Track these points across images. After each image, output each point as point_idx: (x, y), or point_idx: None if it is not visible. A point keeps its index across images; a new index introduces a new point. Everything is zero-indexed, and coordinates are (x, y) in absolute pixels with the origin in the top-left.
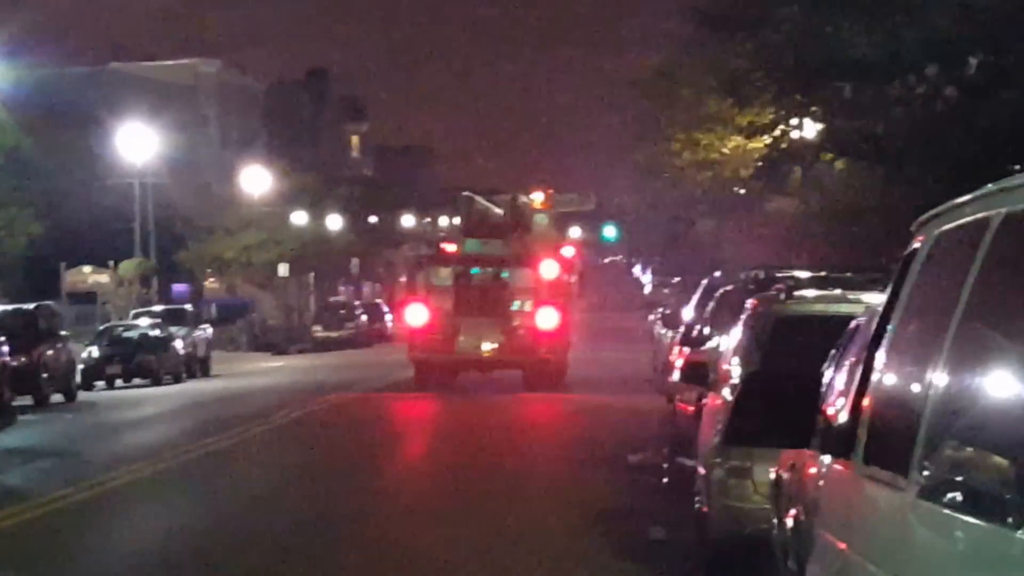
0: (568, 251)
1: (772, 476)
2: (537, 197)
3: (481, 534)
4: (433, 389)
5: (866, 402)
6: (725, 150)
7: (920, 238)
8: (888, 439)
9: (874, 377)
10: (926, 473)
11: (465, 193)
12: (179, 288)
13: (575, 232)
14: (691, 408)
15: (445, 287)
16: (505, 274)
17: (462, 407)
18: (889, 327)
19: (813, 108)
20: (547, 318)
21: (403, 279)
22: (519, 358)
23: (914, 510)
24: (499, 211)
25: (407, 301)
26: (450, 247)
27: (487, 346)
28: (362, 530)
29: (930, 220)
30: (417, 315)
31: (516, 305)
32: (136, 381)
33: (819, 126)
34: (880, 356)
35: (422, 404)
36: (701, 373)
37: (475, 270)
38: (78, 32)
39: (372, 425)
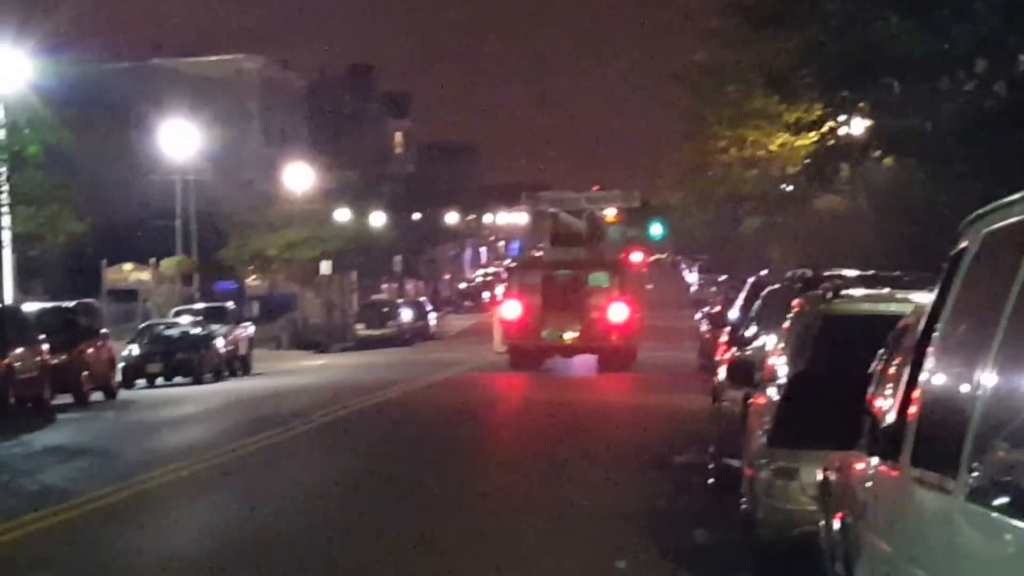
0: (636, 256)
1: (819, 477)
2: (609, 212)
3: (526, 531)
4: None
5: (914, 403)
6: (772, 147)
7: (968, 238)
8: (936, 441)
9: (922, 378)
10: (975, 475)
11: (551, 210)
12: (224, 285)
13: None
14: (737, 408)
15: (535, 286)
16: (584, 275)
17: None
18: (937, 327)
19: (861, 105)
20: (618, 312)
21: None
22: (595, 344)
23: (962, 513)
24: (579, 224)
25: (504, 298)
26: (539, 254)
27: (569, 335)
28: (401, 525)
29: (977, 220)
30: (512, 309)
31: (593, 301)
32: (177, 379)
33: (867, 123)
34: (928, 357)
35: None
36: (747, 373)
37: (559, 272)
38: (120, 27)
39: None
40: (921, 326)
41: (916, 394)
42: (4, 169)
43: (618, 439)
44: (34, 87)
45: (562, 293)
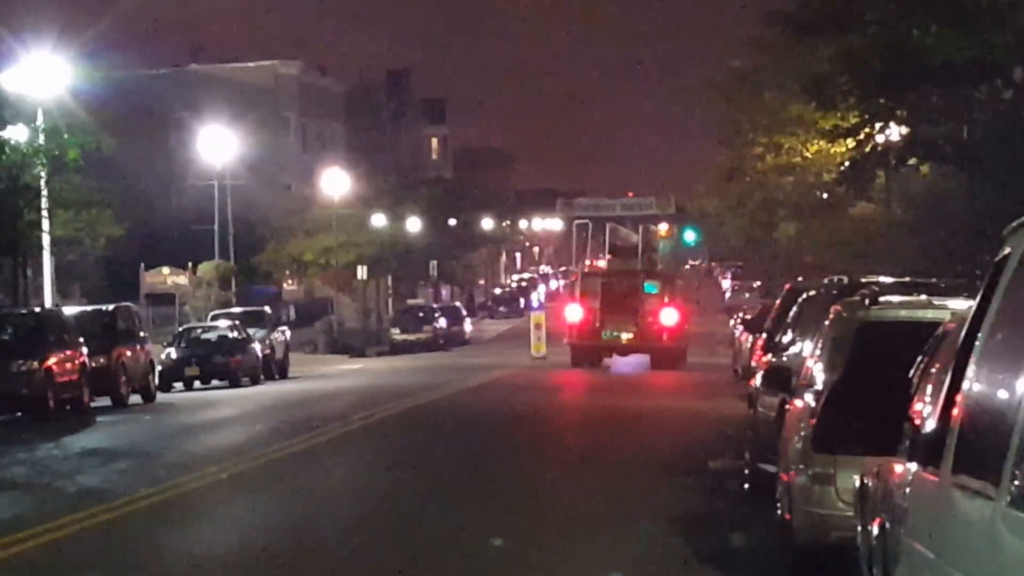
0: (686, 265)
1: (857, 483)
2: (662, 228)
3: (563, 532)
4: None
5: (955, 410)
6: (807, 154)
7: (1011, 244)
8: (978, 447)
9: (964, 385)
10: (1017, 483)
11: (610, 225)
12: (261, 291)
13: None
14: (773, 414)
15: (595, 292)
16: (639, 283)
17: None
18: (979, 334)
19: (898, 112)
20: (669, 316)
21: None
22: (649, 345)
23: (1005, 519)
24: (635, 238)
25: (567, 303)
26: (599, 263)
27: (625, 336)
28: (440, 526)
29: (1021, 226)
30: (574, 313)
31: (647, 306)
32: (214, 382)
33: (904, 130)
34: (970, 364)
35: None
36: (784, 379)
37: (617, 280)
38: (159, 33)
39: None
40: (963, 332)
41: (958, 400)
42: (44, 173)
43: (654, 443)
44: (74, 92)
45: (619, 298)
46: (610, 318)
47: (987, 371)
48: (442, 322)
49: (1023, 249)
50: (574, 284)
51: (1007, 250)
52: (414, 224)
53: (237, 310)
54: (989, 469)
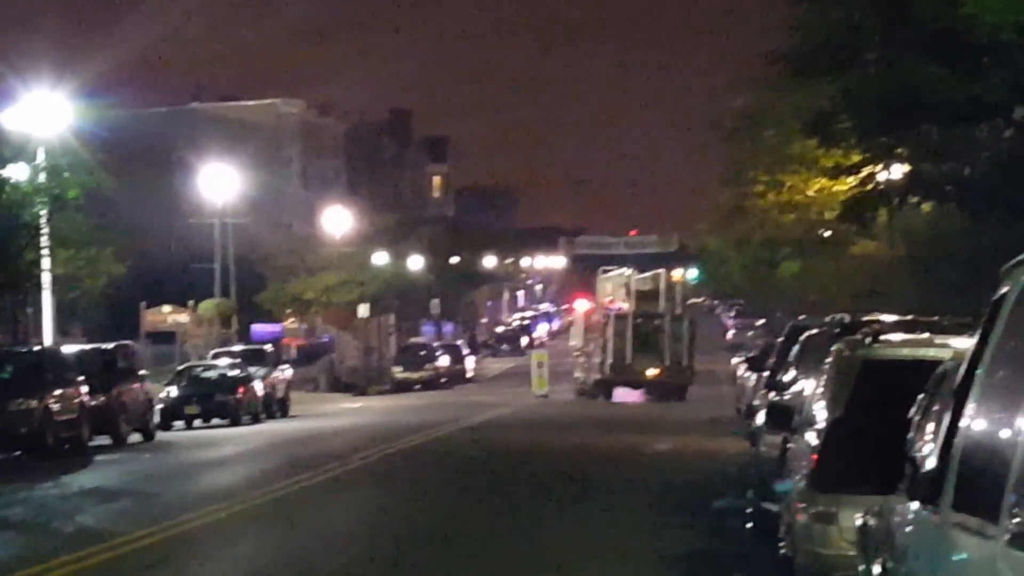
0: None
1: (859, 522)
2: (678, 273)
3: (561, 571)
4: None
5: (955, 448)
6: (810, 192)
7: (1009, 282)
8: (978, 486)
9: (963, 423)
10: (1016, 520)
11: (628, 272)
12: (262, 330)
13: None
14: (775, 452)
15: (625, 332)
16: (663, 324)
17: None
18: (978, 373)
19: (899, 150)
20: (686, 355)
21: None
22: (667, 380)
23: (1005, 558)
24: (655, 283)
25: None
26: (624, 307)
27: (651, 371)
28: (442, 568)
29: (1018, 264)
30: (607, 350)
31: (667, 345)
32: (215, 421)
33: (905, 168)
34: (969, 402)
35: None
36: (786, 417)
37: (645, 322)
38: (160, 72)
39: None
40: (962, 371)
41: (957, 439)
42: (44, 212)
43: (656, 483)
44: (75, 130)
45: (644, 338)
46: (639, 356)
47: (986, 409)
48: (444, 360)
49: (1021, 288)
50: (606, 325)
51: (1005, 288)
52: (416, 262)
53: (238, 348)
54: (988, 507)
